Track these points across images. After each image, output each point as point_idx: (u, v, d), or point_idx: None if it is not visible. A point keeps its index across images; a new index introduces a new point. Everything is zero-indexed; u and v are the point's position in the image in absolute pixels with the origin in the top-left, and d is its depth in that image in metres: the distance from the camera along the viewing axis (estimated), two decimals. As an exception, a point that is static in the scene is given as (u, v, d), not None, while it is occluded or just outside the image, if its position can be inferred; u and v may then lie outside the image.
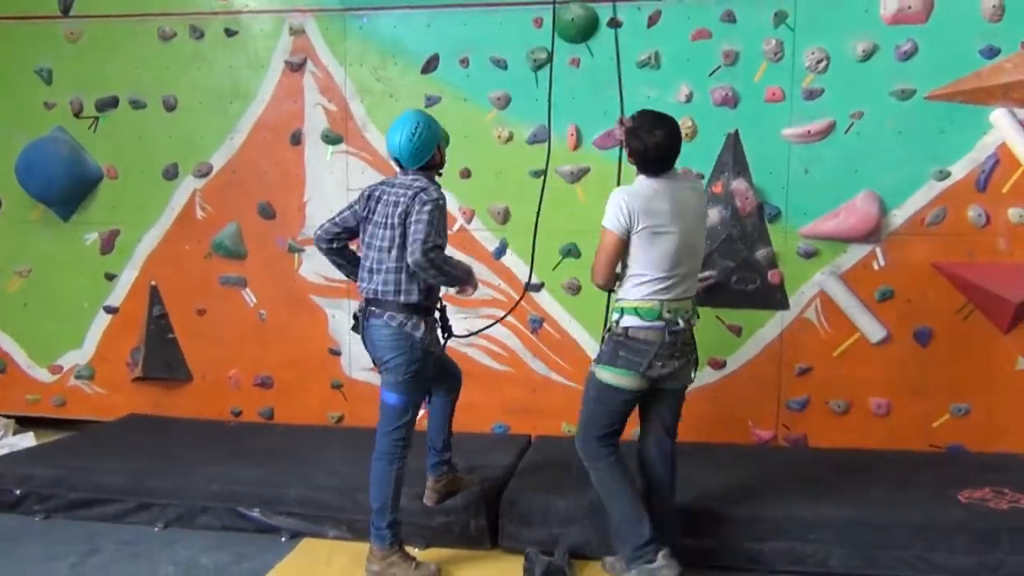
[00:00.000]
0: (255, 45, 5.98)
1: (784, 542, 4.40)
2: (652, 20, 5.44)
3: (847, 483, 4.90)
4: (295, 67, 5.86)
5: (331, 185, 5.95)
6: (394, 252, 3.94)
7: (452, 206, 5.74)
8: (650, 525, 3.88)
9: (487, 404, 6.00)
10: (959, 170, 5.43)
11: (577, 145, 5.62)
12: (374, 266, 4.00)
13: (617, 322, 3.83)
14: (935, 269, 5.42)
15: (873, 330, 5.52)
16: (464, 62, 5.65)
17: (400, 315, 3.95)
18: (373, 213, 4.03)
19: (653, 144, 3.77)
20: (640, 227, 3.76)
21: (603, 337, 3.95)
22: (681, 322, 3.85)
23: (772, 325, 5.66)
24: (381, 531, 4.10)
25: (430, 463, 4.49)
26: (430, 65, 5.70)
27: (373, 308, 3.99)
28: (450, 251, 4.14)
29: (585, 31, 5.49)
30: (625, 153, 3.91)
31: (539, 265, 5.72)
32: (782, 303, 5.68)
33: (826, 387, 5.67)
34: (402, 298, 3.96)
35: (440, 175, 4.18)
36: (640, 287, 3.81)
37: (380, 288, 3.96)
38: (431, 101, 5.74)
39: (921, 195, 5.43)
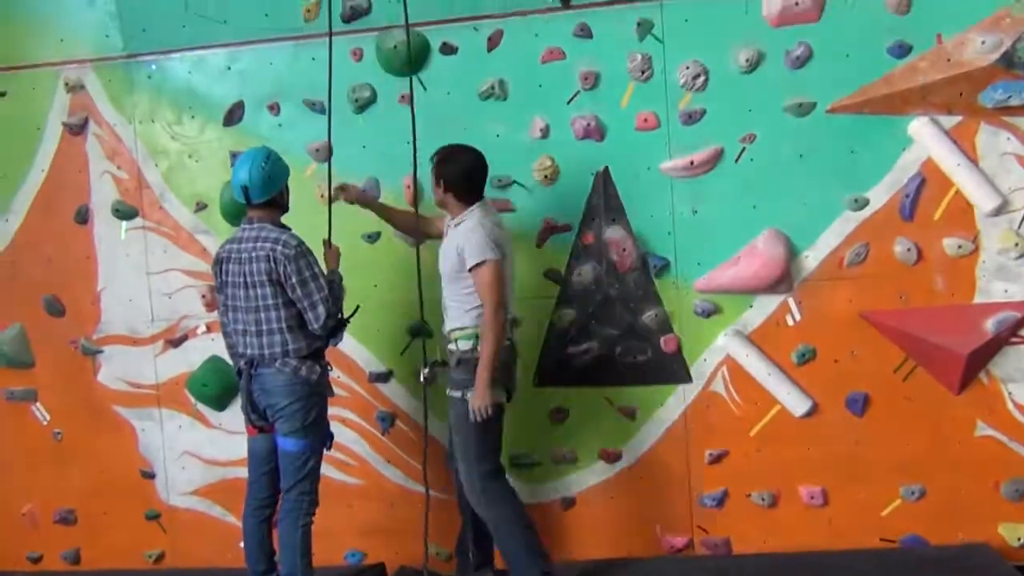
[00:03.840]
0: (26, 107, 3.93)
1: None
2: (493, 42, 3.21)
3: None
4: (75, 130, 3.57)
5: (128, 269, 3.77)
6: (272, 312, 3.10)
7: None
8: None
9: (337, 527, 3.83)
10: (878, 196, 3.51)
11: (417, 199, 3.15)
12: (248, 328, 3.13)
13: (473, 348, 3.11)
14: (863, 320, 2.98)
15: (796, 401, 3.39)
16: (273, 108, 3.45)
17: (294, 360, 3.11)
18: (227, 275, 3.14)
19: (472, 163, 3.19)
20: (501, 254, 3.10)
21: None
22: (515, 336, 3.23)
23: (673, 403, 3.56)
24: None
25: None
26: (234, 115, 3.46)
27: (260, 361, 3.12)
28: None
29: (414, 61, 3.07)
30: (437, 192, 3.23)
31: (384, 349, 3.20)
32: (682, 375, 3.61)
33: (746, 476, 3.64)
34: (292, 353, 3.11)
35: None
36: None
37: (266, 351, 3.12)
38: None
39: (836, 230, 3.41)
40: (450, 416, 3.24)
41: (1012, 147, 3.37)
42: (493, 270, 3.08)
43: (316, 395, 3.17)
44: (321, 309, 3.07)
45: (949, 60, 3.36)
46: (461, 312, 3.17)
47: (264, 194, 3.12)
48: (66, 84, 3.87)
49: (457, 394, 3.16)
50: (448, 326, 3.23)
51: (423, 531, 3.32)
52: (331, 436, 3.33)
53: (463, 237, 3.11)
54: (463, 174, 3.15)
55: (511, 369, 3.23)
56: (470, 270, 3.11)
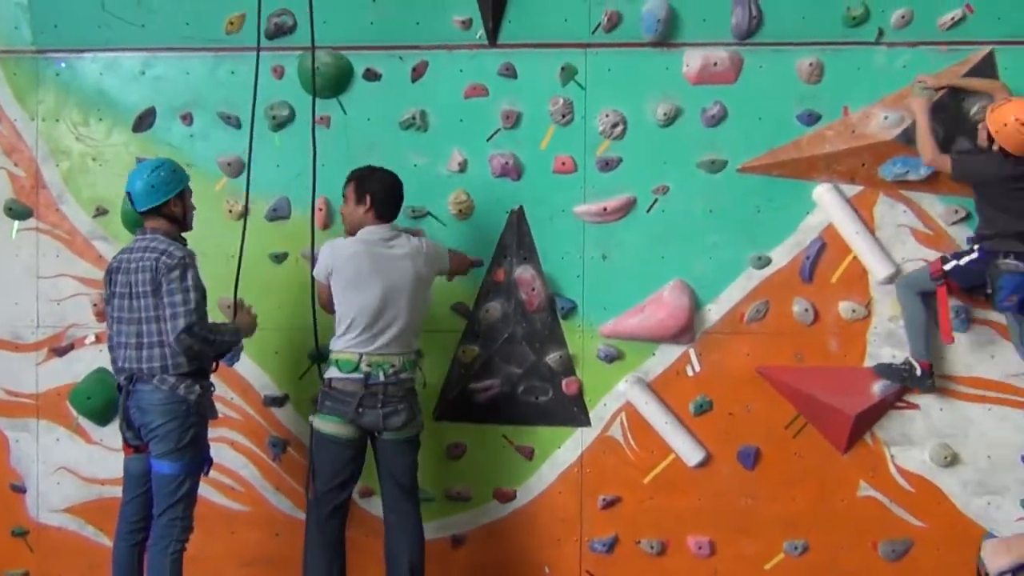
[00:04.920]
0: (-79, 94, 3.34)
1: None
2: (417, 73, 3.08)
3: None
4: None
5: (17, 271, 3.56)
6: (152, 325, 2.93)
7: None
8: None
9: (217, 554, 3.64)
10: (781, 256, 3.56)
11: (328, 223, 3.07)
12: (129, 340, 2.96)
13: (324, 373, 3.12)
14: (759, 375, 2.99)
15: (690, 451, 3.44)
16: (187, 119, 3.31)
17: (172, 377, 2.93)
18: (115, 285, 2.99)
19: (395, 182, 3.18)
20: (336, 279, 3.09)
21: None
22: (382, 375, 3.05)
23: (570, 446, 3.61)
24: None
25: None
26: (144, 122, 3.31)
27: (139, 376, 2.94)
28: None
29: (336, 83, 3.01)
30: (357, 211, 3.16)
31: (282, 373, 3.10)
32: (582, 419, 3.58)
33: (637, 522, 3.61)
34: (171, 369, 2.93)
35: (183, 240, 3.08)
36: (341, 339, 3.09)
37: (145, 365, 2.94)
38: (145, 166, 3.17)
39: (739, 286, 3.53)
40: None
41: (907, 219, 3.47)
42: (317, 284, 3.21)
43: (194, 415, 2.98)
44: (181, 322, 2.87)
45: (854, 132, 3.45)
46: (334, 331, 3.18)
47: (146, 203, 2.99)
48: (-33, 74, 3.61)
49: (311, 419, 3.20)
50: None
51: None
52: (209, 460, 3.13)
53: None
54: (389, 191, 3.14)
55: (355, 404, 3.05)
56: None
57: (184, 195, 3.07)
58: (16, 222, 3.66)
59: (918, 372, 3.31)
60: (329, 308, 3.18)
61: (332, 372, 3.10)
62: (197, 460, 3.03)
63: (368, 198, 3.09)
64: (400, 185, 3.16)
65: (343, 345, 3.07)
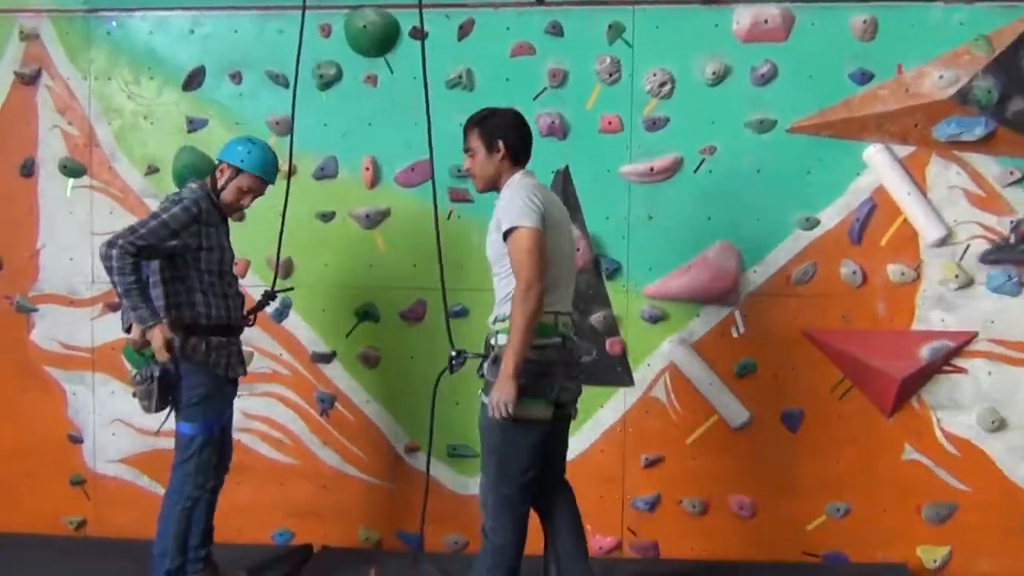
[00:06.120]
0: (-24, 53, 3.36)
1: None
2: (464, 31, 3.04)
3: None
4: (27, 80, 3.38)
5: (71, 228, 3.54)
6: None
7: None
8: None
9: (266, 505, 3.74)
10: (829, 218, 3.49)
11: (375, 182, 3.08)
12: None
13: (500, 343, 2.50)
14: (805, 338, 2.95)
15: (733, 412, 3.54)
16: (235, 77, 3.32)
17: (179, 335, 2.80)
18: None
19: (519, 118, 2.73)
20: (547, 225, 2.52)
21: (481, 367, 2.67)
22: (574, 337, 2.65)
23: (613, 406, 3.62)
24: None
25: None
26: (193, 80, 3.30)
27: None
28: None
29: (383, 42, 3.02)
30: (491, 160, 2.69)
31: (329, 330, 3.07)
32: (625, 379, 3.58)
33: (679, 482, 3.61)
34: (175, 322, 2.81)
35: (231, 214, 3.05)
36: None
37: None
38: (196, 125, 3.37)
39: (786, 247, 3.48)
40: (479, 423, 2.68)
41: (960, 181, 3.39)
42: (530, 237, 2.46)
43: (199, 374, 2.86)
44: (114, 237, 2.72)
45: (907, 91, 3.37)
46: (502, 299, 2.60)
47: (218, 155, 3.02)
48: (21, 32, 3.68)
49: (485, 399, 2.60)
50: (490, 317, 2.67)
51: (420, 517, 3.23)
52: (218, 422, 2.98)
53: (501, 206, 2.56)
54: (517, 130, 2.66)
55: (558, 377, 2.56)
56: (504, 239, 2.52)
57: (232, 174, 2.94)
58: (71, 179, 3.72)
59: None
60: (541, 269, 2.51)
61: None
62: (209, 421, 2.92)
63: (501, 144, 2.63)
64: (524, 121, 2.74)
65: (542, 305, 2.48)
